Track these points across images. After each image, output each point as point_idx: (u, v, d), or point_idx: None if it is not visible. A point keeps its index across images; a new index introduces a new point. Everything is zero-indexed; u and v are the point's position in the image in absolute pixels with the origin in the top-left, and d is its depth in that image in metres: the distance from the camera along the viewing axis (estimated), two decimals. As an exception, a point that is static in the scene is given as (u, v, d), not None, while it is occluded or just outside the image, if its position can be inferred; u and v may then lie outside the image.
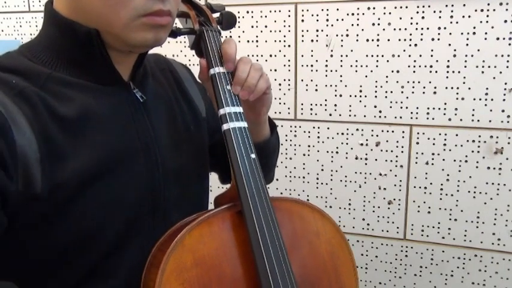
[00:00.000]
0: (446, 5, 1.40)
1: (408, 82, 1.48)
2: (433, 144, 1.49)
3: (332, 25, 1.51)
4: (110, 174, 0.71)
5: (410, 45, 1.45)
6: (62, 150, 0.67)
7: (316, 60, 1.55)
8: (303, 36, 1.55)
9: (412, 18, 1.43)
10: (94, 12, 0.69)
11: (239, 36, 1.60)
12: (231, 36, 1.61)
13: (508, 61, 1.38)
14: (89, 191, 0.69)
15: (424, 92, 1.47)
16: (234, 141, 0.74)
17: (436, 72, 1.45)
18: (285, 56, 1.58)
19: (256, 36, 1.59)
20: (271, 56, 1.59)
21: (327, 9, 1.51)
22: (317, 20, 1.52)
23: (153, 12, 0.69)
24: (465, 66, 1.42)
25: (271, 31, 1.58)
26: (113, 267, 0.74)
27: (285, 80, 1.59)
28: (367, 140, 1.55)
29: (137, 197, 0.75)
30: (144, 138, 0.77)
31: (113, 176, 0.71)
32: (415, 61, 1.46)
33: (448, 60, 1.43)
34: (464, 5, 1.38)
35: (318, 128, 1.59)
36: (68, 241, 0.69)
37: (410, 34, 1.45)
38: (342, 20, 1.50)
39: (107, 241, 0.72)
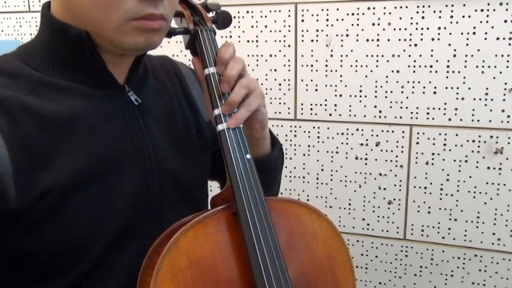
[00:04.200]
0: (446, 5, 1.39)
1: (408, 82, 1.48)
2: (433, 144, 1.49)
3: (332, 25, 1.51)
4: (98, 179, 0.70)
5: (410, 45, 1.45)
6: (46, 157, 0.67)
7: (316, 60, 1.55)
8: (303, 36, 1.55)
9: (412, 18, 1.43)
10: (85, 14, 0.69)
11: (239, 36, 1.60)
12: (231, 36, 1.61)
13: (508, 61, 1.37)
14: (77, 196, 0.68)
15: (424, 92, 1.47)
16: (229, 141, 0.73)
17: (436, 72, 1.44)
18: (285, 56, 1.58)
19: (256, 36, 1.59)
20: (271, 56, 1.59)
21: (327, 9, 1.50)
22: (317, 20, 1.52)
23: (145, 16, 0.68)
24: (465, 66, 1.41)
25: (271, 31, 1.57)
26: (109, 271, 0.73)
27: (285, 80, 1.59)
28: (367, 140, 1.55)
29: (129, 200, 0.74)
30: (137, 141, 0.77)
31: (102, 180, 0.71)
32: (415, 61, 1.46)
33: (448, 60, 1.42)
34: (464, 5, 1.38)
35: (318, 128, 1.59)
36: (60, 247, 0.69)
37: (410, 34, 1.44)
38: (342, 20, 1.49)
39: (100, 245, 0.71)
